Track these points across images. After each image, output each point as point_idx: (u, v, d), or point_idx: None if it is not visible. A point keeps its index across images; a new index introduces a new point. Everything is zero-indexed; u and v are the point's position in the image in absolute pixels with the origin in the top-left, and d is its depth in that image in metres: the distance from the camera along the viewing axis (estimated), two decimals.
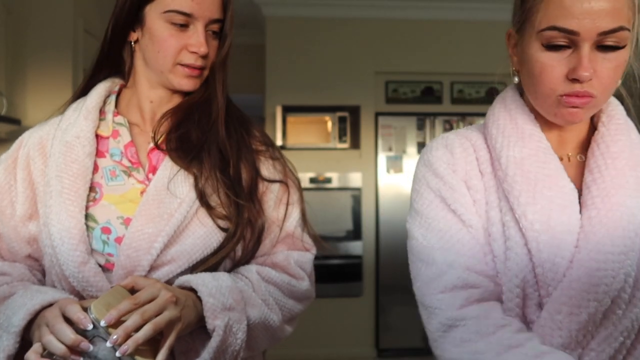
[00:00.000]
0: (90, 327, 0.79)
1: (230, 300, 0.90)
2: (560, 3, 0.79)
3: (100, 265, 0.94)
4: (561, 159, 0.89)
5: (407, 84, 4.18)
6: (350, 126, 4.08)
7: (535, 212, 0.82)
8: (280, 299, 1.01)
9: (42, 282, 1.01)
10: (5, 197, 1.00)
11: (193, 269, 0.95)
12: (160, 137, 1.01)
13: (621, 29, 0.78)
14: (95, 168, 0.99)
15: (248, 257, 1.02)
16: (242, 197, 0.99)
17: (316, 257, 1.12)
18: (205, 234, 0.96)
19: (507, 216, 0.85)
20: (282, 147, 3.91)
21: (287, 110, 4.03)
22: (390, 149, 4.10)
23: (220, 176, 0.98)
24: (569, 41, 0.80)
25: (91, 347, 0.78)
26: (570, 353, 0.80)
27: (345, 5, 4.05)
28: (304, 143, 4.03)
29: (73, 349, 0.78)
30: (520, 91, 0.94)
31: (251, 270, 1.01)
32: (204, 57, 1.00)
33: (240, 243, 0.99)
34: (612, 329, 0.80)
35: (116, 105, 1.05)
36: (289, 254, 1.06)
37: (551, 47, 0.81)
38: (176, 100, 1.06)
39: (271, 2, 3.99)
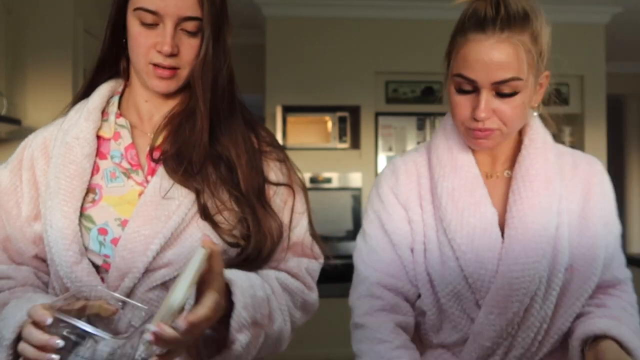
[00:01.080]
0: (50, 321, 0.76)
1: (259, 315, 0.88)
2: (464, 55, 0.96)
3: (97, 266, 0.94)
4: (491, 176, 1.08)
5: (407, 84, 4.17)
6: (350, 126, 4.08)
7: (462, 237, 1.02)
8: (291, 310, 0.99)
9: (47, 285, 1.01)
10: (11, 198, 1.00)
11: None
12: (157, 147, 0.99)
13: (513, 79, 0.93)
14: (96, 169, 0.99)
15: (261, 262, 1.00)
16: (258, 211, 0.97)
17: None
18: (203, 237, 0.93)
19: (443, 237, 1.04)
20: (282, 147, 3.90)
21: (287, 110, 4.02)
22: (390, 149, 4.11)
23: (228, 190, 0.96)
24: (472, 87, 0.96)
25: (61, 343, 0.76)
26: (502, 341, 1.00)
27: (345, 5, 4.05)
28: (304, 143, 4.03)
29: (47, 349, 0.76)
30: None
31: (270, 277, 0.98)
32: (173, 56, 0.96)
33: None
34: (532, 319, 1.00)
35: (119, 106, 1.04)
36: (300, 261, 1.04)
37: (461, 90, 0.98)
38: (171, 102, 1.03)
39: (271, 2, 3.99)
